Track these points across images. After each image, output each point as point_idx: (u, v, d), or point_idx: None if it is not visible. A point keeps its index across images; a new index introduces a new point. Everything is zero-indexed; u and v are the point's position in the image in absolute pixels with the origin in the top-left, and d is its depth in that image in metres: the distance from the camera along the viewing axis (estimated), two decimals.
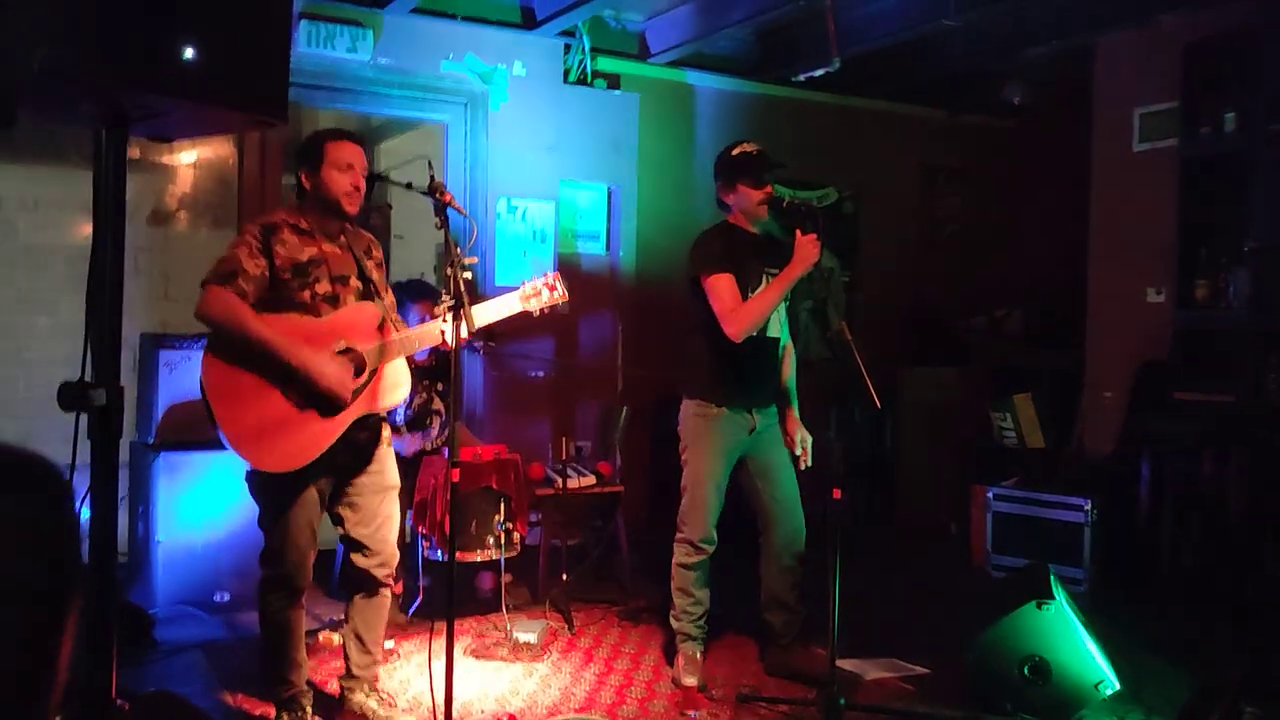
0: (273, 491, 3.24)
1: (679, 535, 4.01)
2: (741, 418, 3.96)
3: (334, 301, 3.25)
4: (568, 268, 6.09)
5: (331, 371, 3.12)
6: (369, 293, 3.34)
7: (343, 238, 3.37)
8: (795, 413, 4.14)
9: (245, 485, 3.30)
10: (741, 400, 3.95)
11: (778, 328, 4.01)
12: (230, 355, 3.09)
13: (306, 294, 3.20)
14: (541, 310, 3.51)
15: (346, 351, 3.20)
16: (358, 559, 3.44)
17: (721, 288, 3.83)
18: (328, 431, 3.16)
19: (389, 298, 3.38)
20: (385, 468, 3.43)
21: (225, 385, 3.08)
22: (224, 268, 3.11)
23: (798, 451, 4.08)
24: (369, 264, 3.39)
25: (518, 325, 3.39)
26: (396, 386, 3.29)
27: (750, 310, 3.81)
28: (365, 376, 3.21)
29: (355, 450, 3.32)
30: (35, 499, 0.95)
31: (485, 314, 3.41)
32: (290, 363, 3.06)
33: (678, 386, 4.10)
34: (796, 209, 3.87)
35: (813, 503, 4.06)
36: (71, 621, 0.95)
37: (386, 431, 3.46)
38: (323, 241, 3.29)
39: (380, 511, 3.41)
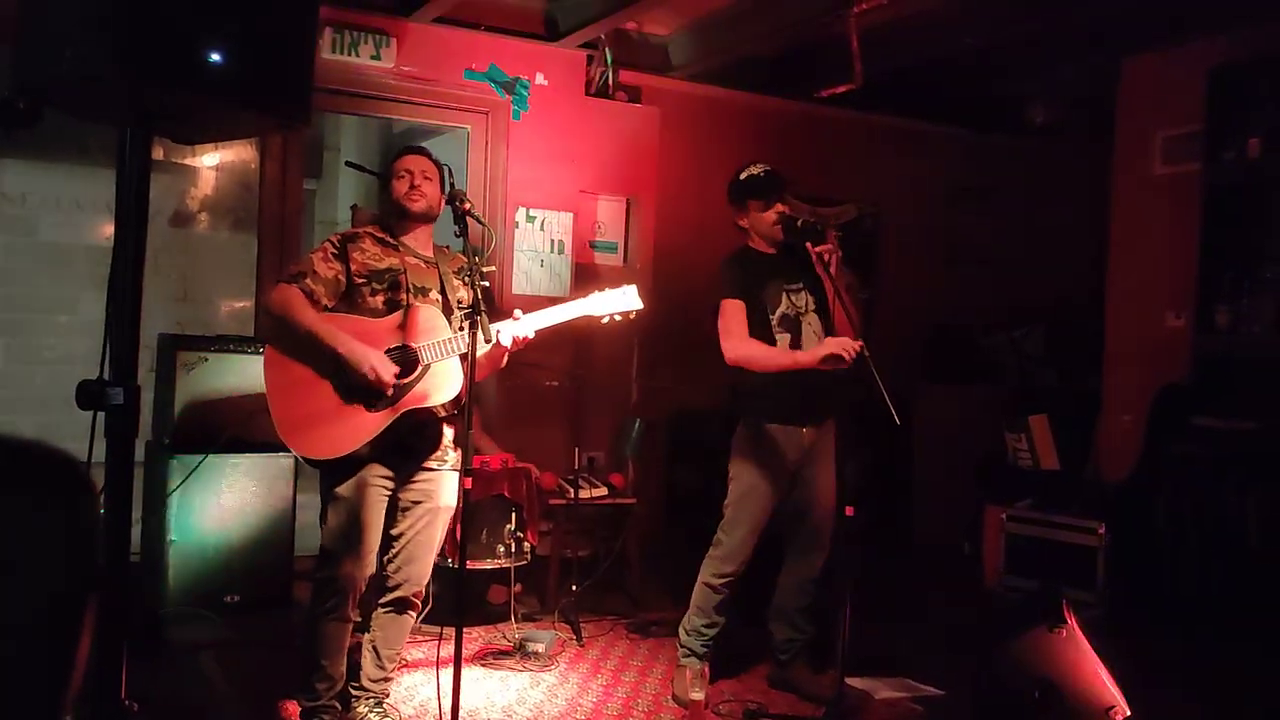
0: (328, 483, 3.31)
1: (712, 552, 3.98)
2: (793, 435, 3.91)
3: (403, 309, 3.34)
4: (584, 278, 6.09)
5: (372, 359, 3.17)
6: (448, 307, 3.41)
7: (431, 254, 3.49)
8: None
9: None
10: (786, 416, 3.90)
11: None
12: (287, 349, 3.27)
13: (378, 299, 3.35)
14: (610, 317, 3.42)
15: (399, 349, 3.27)
16: (388, 568, 3.46)
17: (728, 312, 3.85)
18: (373, 421, 3.22)
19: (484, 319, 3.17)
20: (437, 488, 3.43)
21: (281, 378, 3.26)
22: (294, 268, 3.37)
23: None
24: (456, 282, 3.47)
25: (538, 333, 3.37)
26: (446, 385, 3.31)
27: (754, 356, 3.80)
28: (417, 373, 3.26)
29: (407, 451, 3.36)
30: (61, 499, 0.95)
31: (554, 316, 3.38)
32: (336, 349, 3.17)
33: (731, 406, 4.05)
34: (811, 228, 3.85)
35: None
36: (89, 622, 0.94)
37: (453, 456, 3.45)
38: (405, 254, 3.43)
39: (415, 526, 3.41)
